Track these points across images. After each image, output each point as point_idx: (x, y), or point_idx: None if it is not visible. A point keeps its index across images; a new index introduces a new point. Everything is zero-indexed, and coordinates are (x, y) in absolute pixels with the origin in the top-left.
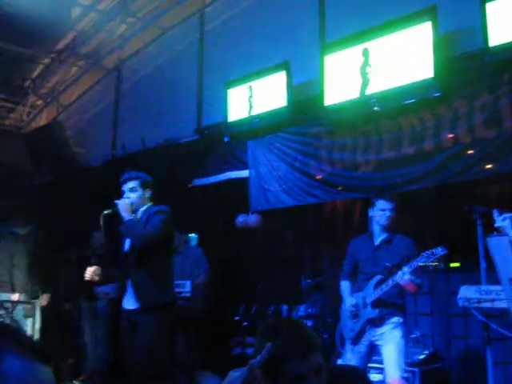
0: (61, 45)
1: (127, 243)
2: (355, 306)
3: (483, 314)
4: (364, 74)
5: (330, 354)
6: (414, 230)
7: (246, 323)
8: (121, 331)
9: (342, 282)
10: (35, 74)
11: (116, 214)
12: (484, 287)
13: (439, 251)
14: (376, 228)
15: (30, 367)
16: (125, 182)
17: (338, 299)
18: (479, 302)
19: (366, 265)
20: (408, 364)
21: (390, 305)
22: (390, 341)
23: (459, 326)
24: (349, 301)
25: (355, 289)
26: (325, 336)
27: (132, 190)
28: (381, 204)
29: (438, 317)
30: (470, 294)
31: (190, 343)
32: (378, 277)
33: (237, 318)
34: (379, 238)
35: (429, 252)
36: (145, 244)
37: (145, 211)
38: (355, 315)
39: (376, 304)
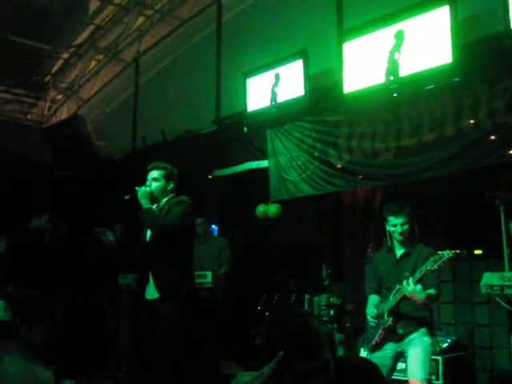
0: (79, 39)
1: (148, 232)
2: (374, 317)
3: (507, 302)
4: (392, 59)
5: (352, 343)
6: (436, 217)
7: (267, 313)
8: (142, 322)
9: (370, 296)
10: (55, 68)
11: (136, 201)
12: (507, 274)
13: (445, 255)
14: (395, 242)
15: (30, 370)
16: (150, 170)
17: (358, 288)
18: (502, 289)
19: (388, 279)
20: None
21: (412, 319)
22: (419, 344)
23: (483, 313)
24: (370, 312)
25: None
26: (346, 325)
27: (155, 179)
28: (391, 220)
29: (460, 305)
30: (494, 281)
31: (211, 333)
32: (398, 286)
33: (258, 307)
34: (399, 252)
35: (436, 257)
36: (163, 232)
37: (166, 202)
38: (374, 327)
39: (392, 314)
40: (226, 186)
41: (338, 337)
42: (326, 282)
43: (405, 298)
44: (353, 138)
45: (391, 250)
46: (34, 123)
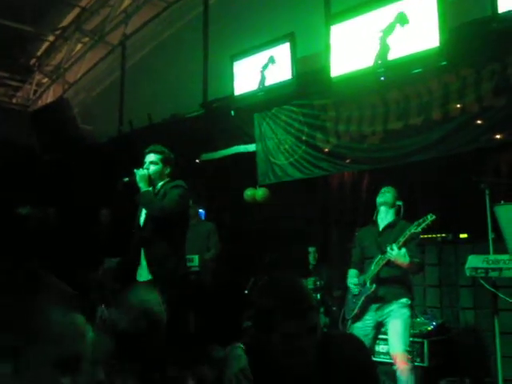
0: (65, 21)
1: (143, 215)
2: (357, 285)
3: (491, 284)
4: (379, 42)
5: (338, 326)
6: (422, 201)
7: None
8: None
9: (350, 270)
10: (40, 51)
11: (133, 183)
12: (492, 257)
13: (428, 218)
14: (380, 216)
15: (71, 318)
16: (148, 153)
17: (345, 271)
18: (487, 271)
19: (369, 250)
20: (416, 335)
21: (395, 286)
22: (398, 317)
23: (468, 297)
24: (351, 282)
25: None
26: (333, 308)
27: (152, 162)
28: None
29: (446, 288)
30: (478, 264)
31: (200, 317)
32: (379, 256)
33: (245, 291)
34: (383, 223)
35: (420, 220)
36: (161, 216)
37: (162, 185)
38: (356, 295)
39: (375, 281)
40: (213, 170)
41: (323, 320)
42: (312, 266)
43: (388, 264)
44: (340, 121)
45: (375, 223)
46: (20, 107)
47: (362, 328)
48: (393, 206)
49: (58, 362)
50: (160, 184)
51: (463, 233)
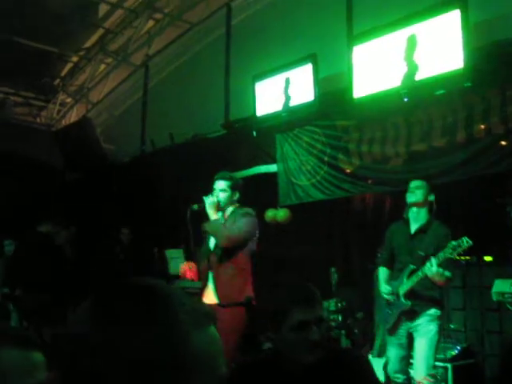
0: (89, 42)
1: (212, 240)
2: (390, 294)
3: None
4: (403, 64)
5: (359, 349)
6: (445, 223)
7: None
8: None
9: (379, 268)
10: (64, 72)
11: (203, 211)
12: None
13: (464, 243)
14: (412, 215)
15: (25, 355)
16: (217, 180)
17: (367, 293)
18: None
19: (400, 253)
20: (440, 359)
21: (425, 297)
22: (424, 335)
23: (493, 320)
24: (384, 289)
25: (392, 277)
26: (355, 331)
27: (222, 190)
28: (412, 183)
29: (470, 311)
30: (505, 288)
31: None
32: (411, 267)
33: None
34: (415, 225)
35: (455, 243)
36: (229, 245)
37: (232, 212)
38: (390, 304)
39: (408, 296)
40: None
41: (345, 343)
42: (334, 287)
43: (423, 279)
44: (363, 142)
45: (406, 223)
46: (44, 126)
47: (396, 337)
48: (425, 204)
49: None
50: (230, 210)
51: (488, 255)
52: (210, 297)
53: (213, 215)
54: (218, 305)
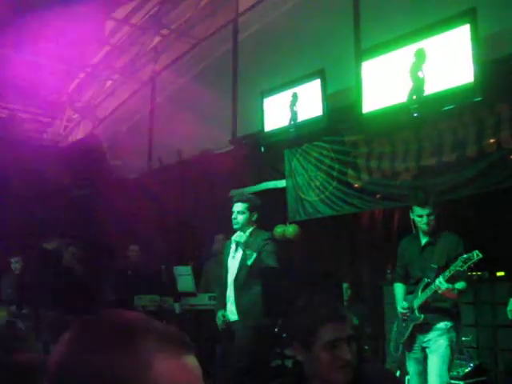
0: (96, 59)
1: (234, 263)
2: (406, 309)
3: None
4: (412, 78)
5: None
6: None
7: (285, 335)
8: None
9: (395, 284)
10: (71, 88)
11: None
12: None
13: (475, 256)
14: (420, 231)
15: None
16: (235, 202)
17: (377, 310)
18: None
19: (413, 268)
20: (453, 377)
21: (436, 309)
22: (434, 351)
23: (506, 337)
24: (400, 304)
25: (408, 292)
26: (365, 347)
27: (239, 212)
28: (417, 211)
29: (483, 328)
30: None
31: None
32: (426, 280)
33: (276, 329)
34: (424, 239)
35: (466, 256)
36: (267, 273)
37: (251, 233)
38: (405, 320)
39: (422, 309)
40: None
41: None
42: (346, 303)
43: (435, 293)
44: (372, 158)
45: (416, 237)
46: (50, 142)
47: (412, 352)
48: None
49: None
50: (249, 231)
51: (500, 271)
52: (232, 316)
53: (249, 253)
54: (238, 321)
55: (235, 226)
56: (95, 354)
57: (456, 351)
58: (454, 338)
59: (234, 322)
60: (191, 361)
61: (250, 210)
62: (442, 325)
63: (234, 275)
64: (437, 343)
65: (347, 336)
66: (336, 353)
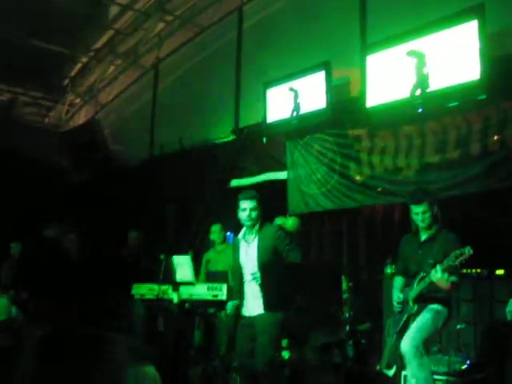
0: (99, 44)
1: (251, 257)
2: (401, 302)
3: None
4: (417, 74)
5: (366, 360)
6: (458, 236)
7: None
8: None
9: (395, 277)
10: (73, 72)
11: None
12: None
13: (466, 251)
14: (419, 228)
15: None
16: (243, 200)
17: (376, 304)
18: None
19: (411, 263)
20: (450, 374)
21: (430, 298)
22: (427, 311)
23: None
24: (395, 296)
25: (406, 285)
26: (362, 341)
27: (252, 209)
28: (413, 209)
29: (481, 326)
30: None
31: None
32: (422, 274)
33: None
34: (423, 236)
35: (458, 252)
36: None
37: (259, 226)
38: (401, 312)
39: (416, 300)
40: None
41: (351, 353)
42: (345, 295)
43: (430, 284)
44: (374, 152)
45: (416, 234)
46: (51, 127)
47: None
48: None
49: None
50: (258, 225)
51: (499, 269)
52: (249, 309)
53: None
54: (260, 315)
55: (248, 223)
56: None
57: (438, 330)
58: (439, 317)
59: (256, 316)
60: (151, 370)
61: (259, 204)
62: (434, 306)
63: (255, 271)
64: (423, 314)
65: (338, 341)
66: (326, 356)
